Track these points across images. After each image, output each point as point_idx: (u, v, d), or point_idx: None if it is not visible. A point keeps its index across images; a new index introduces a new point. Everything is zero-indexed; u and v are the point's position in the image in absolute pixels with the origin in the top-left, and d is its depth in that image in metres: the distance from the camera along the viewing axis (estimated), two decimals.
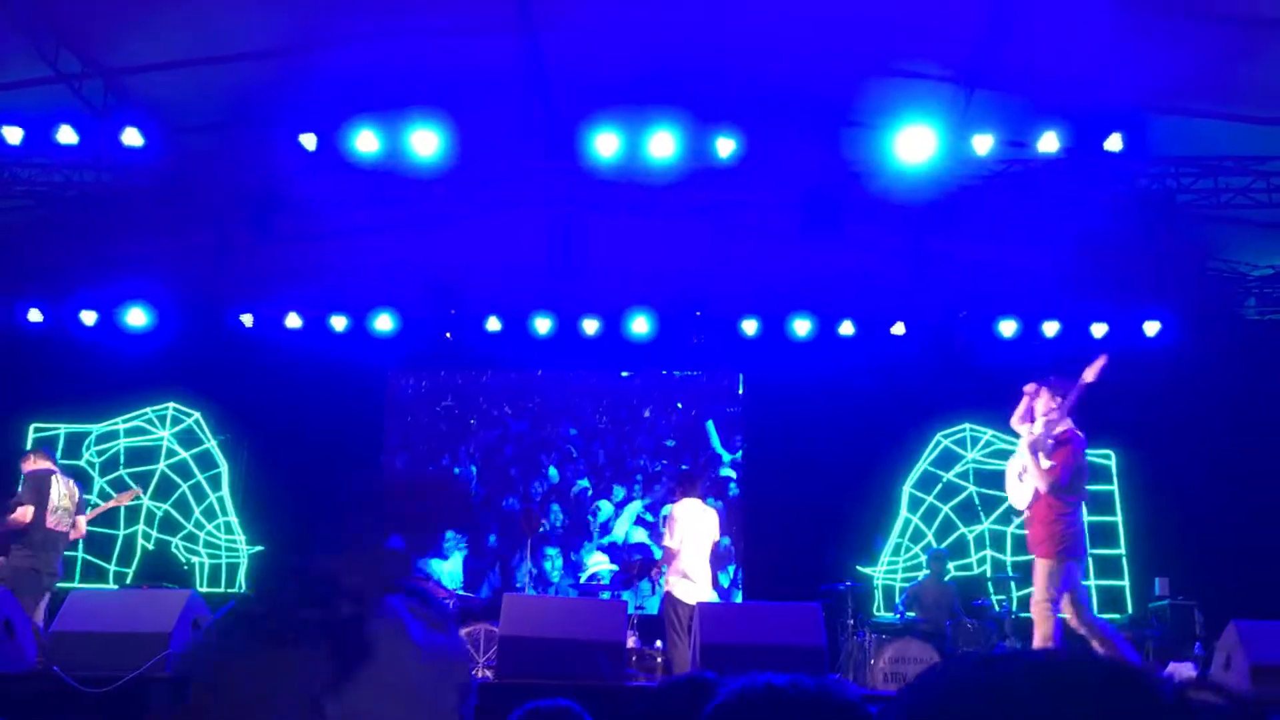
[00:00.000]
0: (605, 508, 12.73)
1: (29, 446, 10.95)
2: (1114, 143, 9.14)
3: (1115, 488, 12.15)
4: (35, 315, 11.92)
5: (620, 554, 12.26)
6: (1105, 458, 12.21)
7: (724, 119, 9.52)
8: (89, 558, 11.97)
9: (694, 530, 8.90)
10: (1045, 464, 7.22)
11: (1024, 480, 7.44)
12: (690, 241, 11.67)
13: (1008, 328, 11.75)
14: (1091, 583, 11.86)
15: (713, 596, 9.14)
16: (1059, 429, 7.27)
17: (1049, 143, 9.22)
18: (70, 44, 8.71)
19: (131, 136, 9.22)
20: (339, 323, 12.13)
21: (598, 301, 12.07)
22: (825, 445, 11.98)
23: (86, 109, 9.31)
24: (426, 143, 9.40)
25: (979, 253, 11.46)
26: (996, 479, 12.24)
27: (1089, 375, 7.27)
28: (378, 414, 13.08)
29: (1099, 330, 11.68)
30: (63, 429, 12.64)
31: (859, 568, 11.79)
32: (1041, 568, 7.14)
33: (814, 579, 10.27)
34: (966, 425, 12.43)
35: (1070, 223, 10.35)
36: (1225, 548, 10.83)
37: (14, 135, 9.25)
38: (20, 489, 8.78)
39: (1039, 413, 7.40)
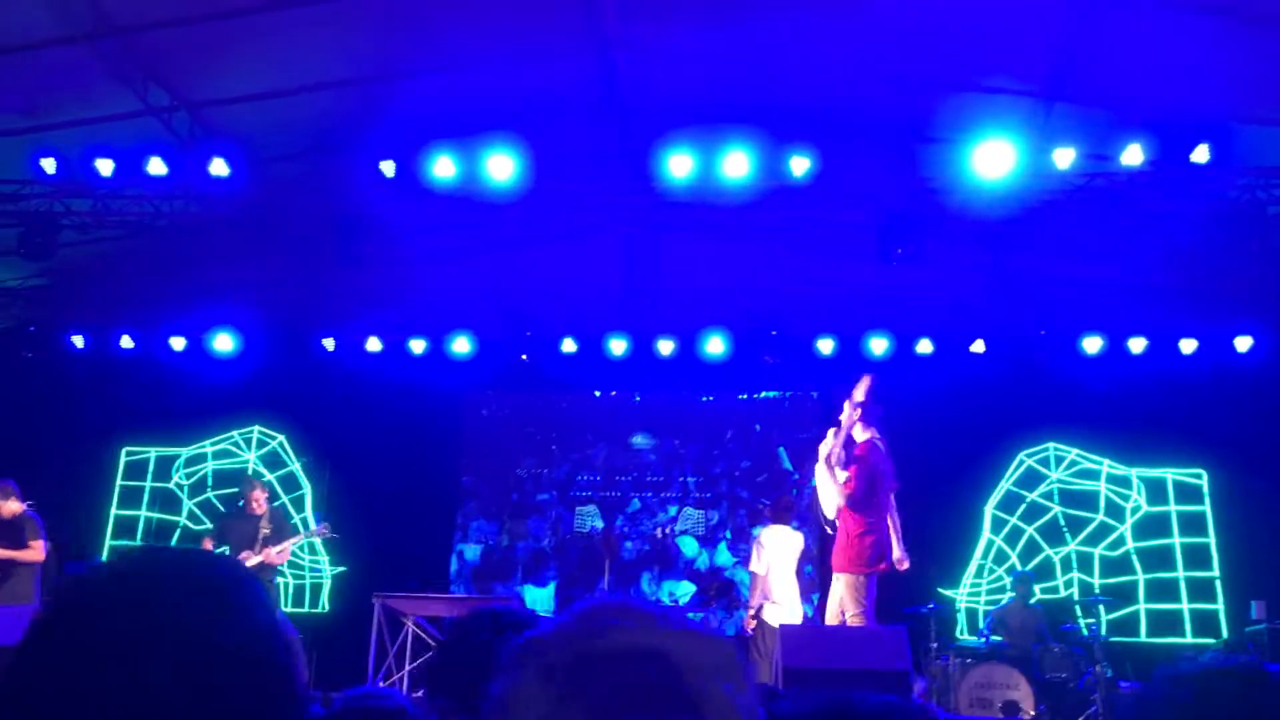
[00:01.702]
0: (689, 545, 12.68)
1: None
2: (1201, 154, 8.91)
3: (1207, 508, 11.78)
4: (127, 342, 12.29)
5: (702, 578, 12.26)
6: (1196, 477, 11.87)
7: (798, 137, 9.48)
8: None
9: (781, 555, 8.93)
10: (841, 477, 7.20)
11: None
12: (765, 261, 11.61)
13: (1092, 344, 11.51)
14: (1184, 606, 11.51)
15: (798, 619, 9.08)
16: (859, 441, 7.27)
17: (1133, 155, 9.02)
18: (159, 78, 8.98)
19: (218, 166, 9.47)
20: (418, 346, 12.31)
21: (672, 322, 12.07)
22: (903, 465, 11.75)
23: (175, 141, 9.58)
24: (502, 167, 9.52)
25: (1061, 268, 11.23)
26: (1083, 499, 12.00)
27: (857, 395, 7.23)
28: (456, 436, 13.21)
29: (1188, 346, 11.37)
30: (153, 452, 12.98)
31: (941, 590, 11.58)
32: (844, 583, 7.17)
33: (895, 602, 10.10)
34: (1050, 444, 12.17)
35: (1157, 236, 10.11)
36: None
37: (106, 167, 9.55)
38: (270, 524, 9.19)
39: (843, 424, 7.37)
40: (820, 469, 7.41)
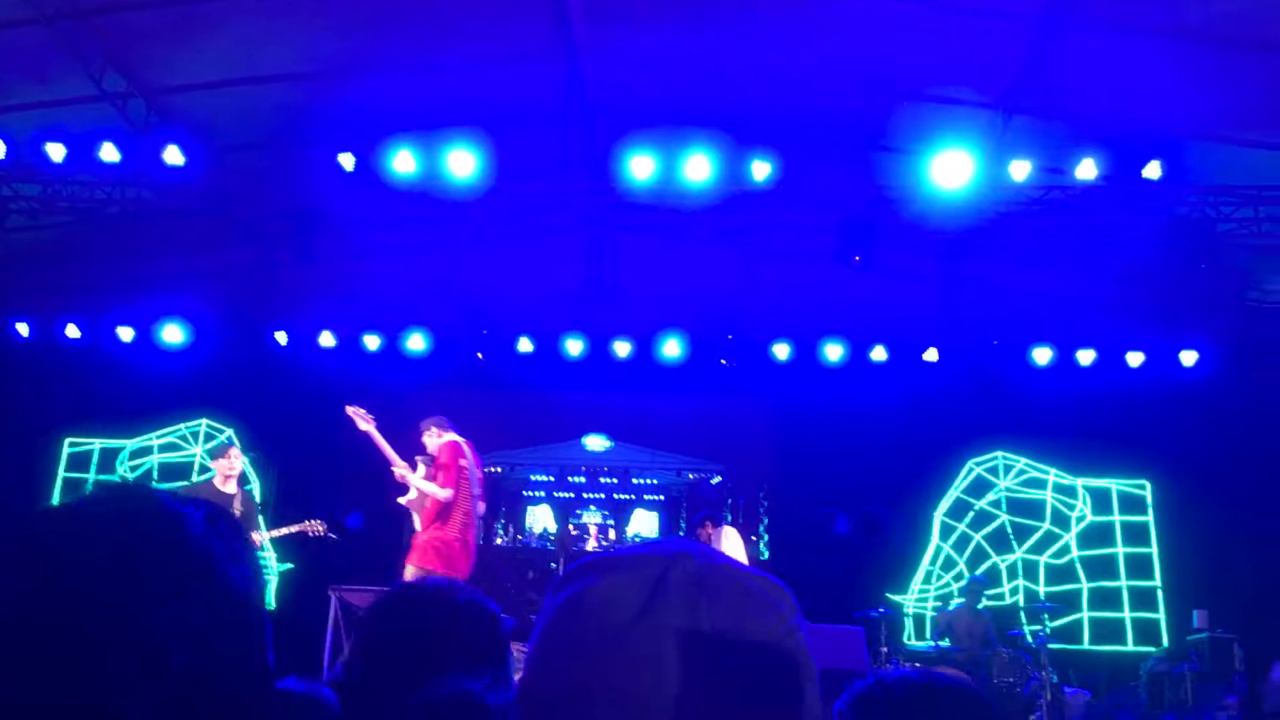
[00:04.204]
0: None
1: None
2: (1153, 170, 9.09)
3: (1150, 519, 12.01)
4: (73, 331, 12.03)
5: None
6: (1140, 488, 12.09)
7: (760, 142, 9.53)
8: None
9: (739, 553, 9.07)
10: (437, 486, 7.98)
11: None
12: (723, 265, 11.67)
13: (1042, 355, 11.67)
14: (1126, 615, 11.71)
15: None
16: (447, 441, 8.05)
17: (1087, 169, 9.18)
18: (117, 63, 8.83)
19: (173, 155, 9.32)
20: (372, 342, 12.18)
21: (629, 324, 12.07)
22: (856, 471, 11.91)
23: (129, 127, 9.42)
24: (463, 164, 9.46)
25: (1014, 280, 11.40)
26: (1030, 508, 12.17)
27: (361, 424, 8.43)
28: (409, 434, 13.04)
29: (1135, 359, 11.58)
30: (97, 444, 12.73)
31: (889, 595, 11.69)
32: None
33: (846, 606, 10.19)
34: (999, 453, 12.33)
35: (1108, 250, 10.29)
36: (1266, 581, 10.65)
37: (57, 152, 9.37)
38: (242, 507, 8.99)
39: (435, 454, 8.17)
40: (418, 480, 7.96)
